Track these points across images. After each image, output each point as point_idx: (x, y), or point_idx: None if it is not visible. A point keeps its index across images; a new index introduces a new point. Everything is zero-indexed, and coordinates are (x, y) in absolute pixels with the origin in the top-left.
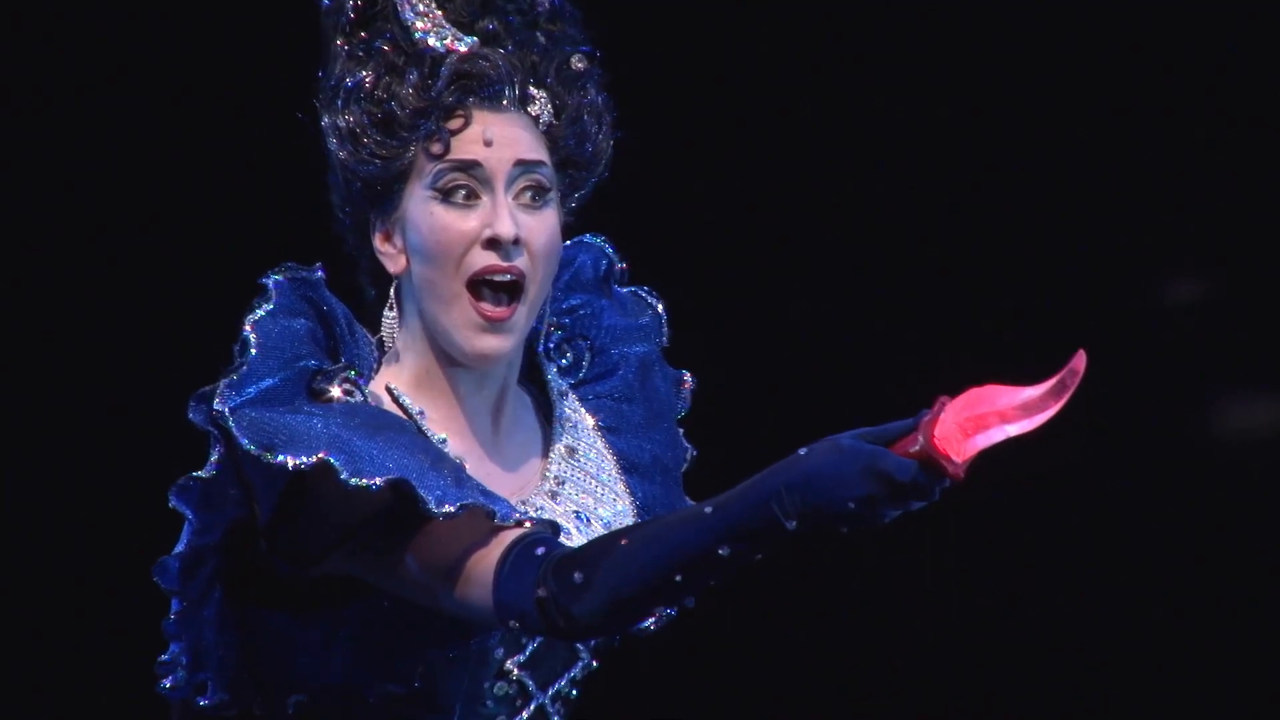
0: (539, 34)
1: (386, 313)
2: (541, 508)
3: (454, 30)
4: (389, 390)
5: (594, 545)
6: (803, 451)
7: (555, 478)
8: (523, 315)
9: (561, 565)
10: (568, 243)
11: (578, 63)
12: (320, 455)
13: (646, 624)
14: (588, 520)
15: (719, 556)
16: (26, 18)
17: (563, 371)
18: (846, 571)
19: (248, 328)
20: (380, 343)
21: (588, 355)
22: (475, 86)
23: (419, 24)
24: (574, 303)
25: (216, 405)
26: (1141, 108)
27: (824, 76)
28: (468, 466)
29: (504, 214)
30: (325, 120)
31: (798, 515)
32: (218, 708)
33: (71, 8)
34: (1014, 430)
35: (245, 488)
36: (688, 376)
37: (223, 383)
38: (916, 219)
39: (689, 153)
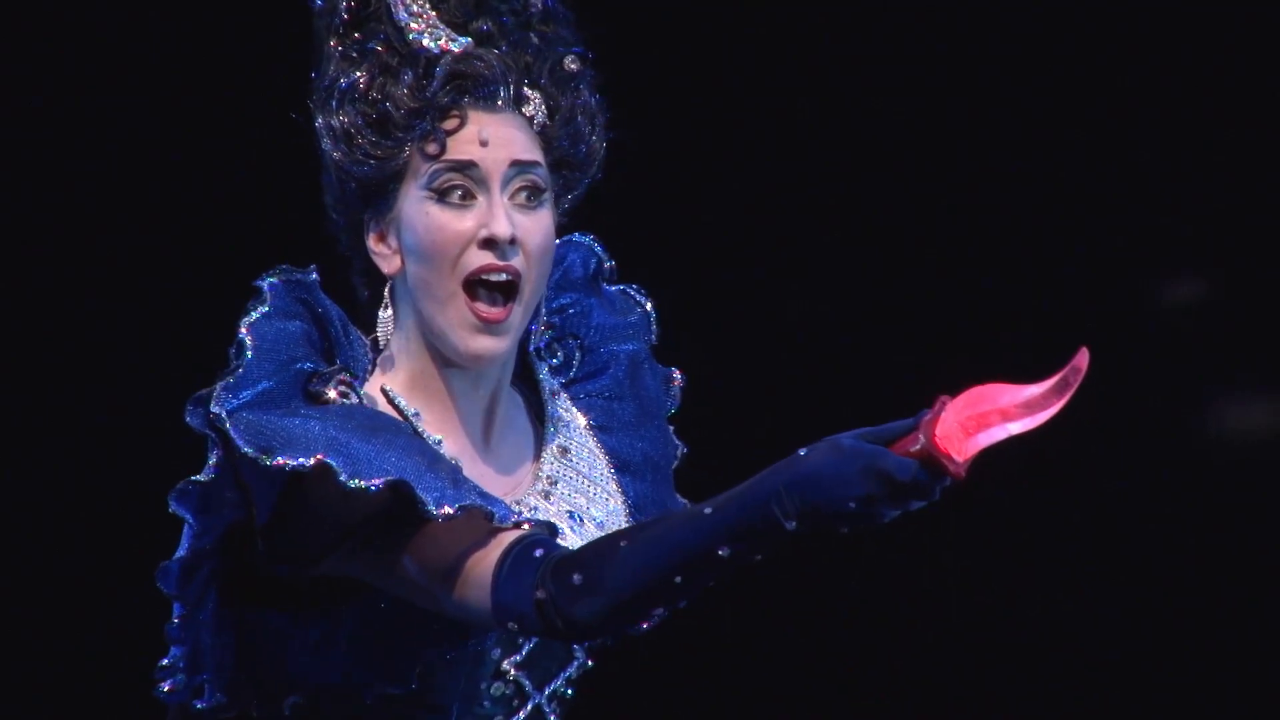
0: (532, 35)
1: (382, 313)
2: (535, 508)
3: (448, 31)
4: (384, 391)
5: (593, 547)
6: (802, 452)
7: (548, 477)
8: (518, 316)
9: (560, 567)
10: (557, 241)
11: (571, 64)
12: (318, 457)
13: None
14: (581, 520)
15: (718, 557)
16: (26, 18)
17: (553, 371)
18: (844, 570)
19: (243, 331)
20: (375, 344)
21: (578, 354)
22: (470, 87)
23: (413, 24)
24: (564, 302)
25: (213, 409)
26: (1140, 108)
27: (820, 76)
28: (462, 467)
29: (500, 214)
30: (319, 121)
31: (798, 515)
32: (215, 710)
33: (71, 8)
34: (1016, 429)
35: (243, 490)
36: (677, 374)
37: (219, 386)
38: (914, 219)
39: (685, 152)
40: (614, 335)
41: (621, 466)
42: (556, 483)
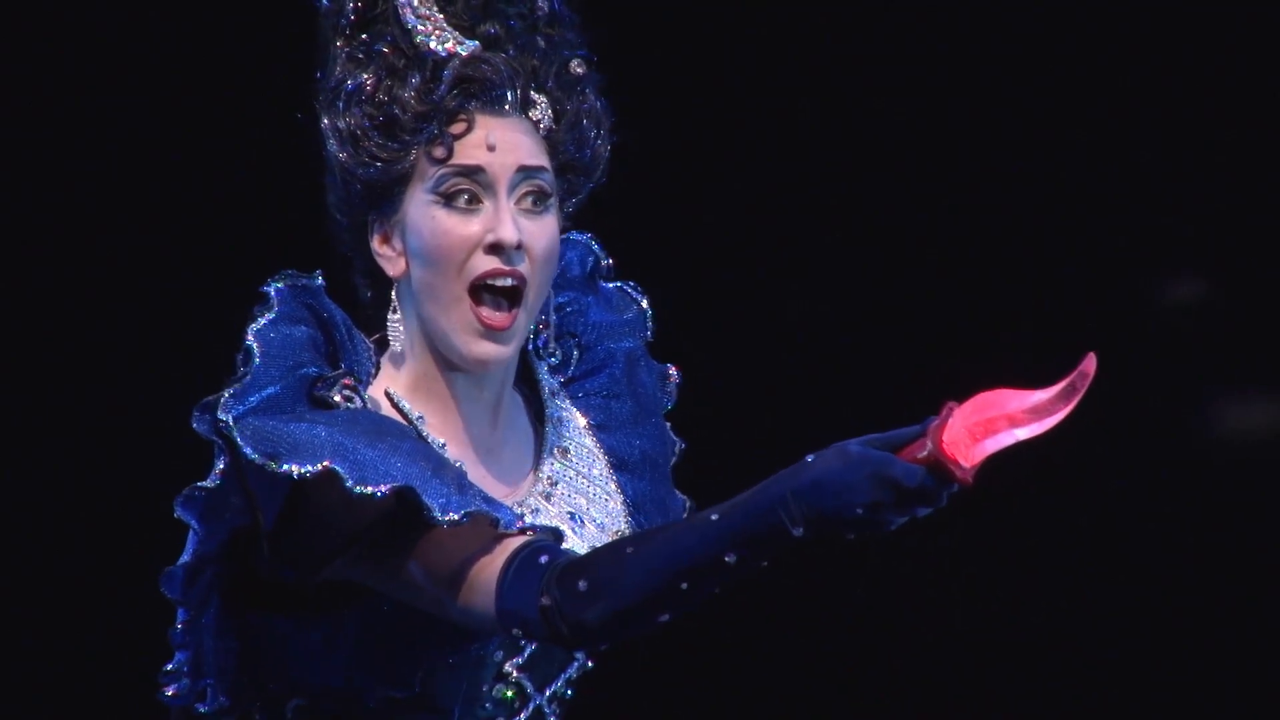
0: (539, 38)
1: (390, 315)
2: (537, 509)
3: (455, 34)
4: (388, 395)
5: (598, 553)
6: (810, 458)
7: (549, 478)
8: (522, 321)
9: (566, 574)
10: None
11: (577, 67)
12: (325, 464)
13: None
14: (581, 521)
15: (725, 564)
16: (26, 18)
17: (552, 369)
18: (846, 573)
19: (250, 337)
20: (379, 346)
21: (576, 352)
22: (478, 90)
23: (420, 27)
24: (561, 300)
25: (220, 415)
26: (1140, 108)
27: (820, 77)
28: (465, 470)
29: (507, 219)
30: (325, 122)
31: (804, 522)
32: (218, 713)
33: (71, 8)
34: (1023, 434)
35: (249, 496)
36: (673, 370)
37: (226, 392)
38: (915, 219)
39: (685, 153)
40: (611, 333)
41: (620, 465)
42: (557, 484)
